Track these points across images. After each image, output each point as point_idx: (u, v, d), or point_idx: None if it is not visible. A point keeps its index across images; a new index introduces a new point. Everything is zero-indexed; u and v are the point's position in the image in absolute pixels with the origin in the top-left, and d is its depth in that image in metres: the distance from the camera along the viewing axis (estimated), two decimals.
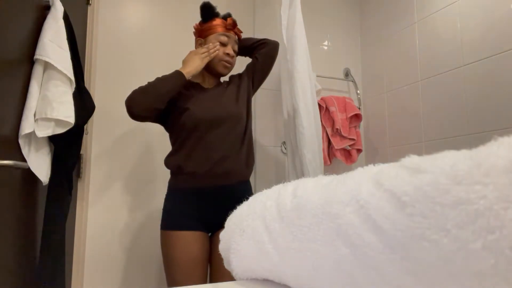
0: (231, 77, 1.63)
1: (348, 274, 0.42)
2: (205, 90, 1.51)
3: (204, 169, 1.35)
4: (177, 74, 1.39)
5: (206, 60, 1.46)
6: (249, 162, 1.47)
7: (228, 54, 1.50)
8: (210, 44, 1.48)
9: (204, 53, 1.46)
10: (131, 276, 1.78)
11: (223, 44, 1.51)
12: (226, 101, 1.48)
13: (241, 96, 1.53)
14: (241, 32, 1.61)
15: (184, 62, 1.47)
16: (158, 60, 1.96)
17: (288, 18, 1.85)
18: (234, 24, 1.55)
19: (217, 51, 1.48)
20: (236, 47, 1.55)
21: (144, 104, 1.34)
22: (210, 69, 1.53)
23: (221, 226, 1.34)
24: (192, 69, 1.42)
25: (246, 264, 0.59)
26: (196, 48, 1.57)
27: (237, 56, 1.61)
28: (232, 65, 1.54)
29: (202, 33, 1.55)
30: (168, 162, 1.42)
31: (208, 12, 1.53)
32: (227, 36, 1.51)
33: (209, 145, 1.37)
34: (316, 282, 0.46)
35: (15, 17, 1.05)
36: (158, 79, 1.38)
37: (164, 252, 1.35)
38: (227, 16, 1.55)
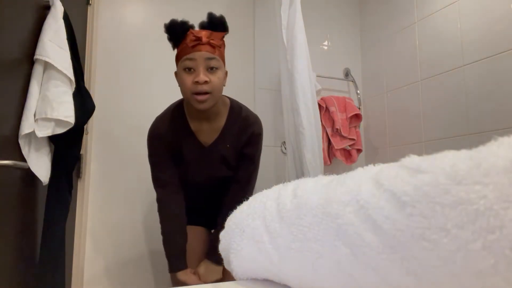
0: (240, 130, 1.31)
1: (348, 274, 0.42)
2: (202, 148, 1.30)
3: (200, 205, 1.41)
4: (170, 266, 1.29)
5: None
6: None
7: (197, 82, 1.15)
8: None
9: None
10: (131, 276, 1.78)
11: (190, 70, 1.17)
12: (223, 171, 1.34)
13: (231, 163, 1.35)
14: (221, 37, 1.20)
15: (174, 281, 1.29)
16: (158, 60, 1.96)
17: (288, 18, 1.84)
18: (198, 37, 1.15)
19: None
20: (212, 63, 1.16)
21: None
22: (192, 109, 1.25)
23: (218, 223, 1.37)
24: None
25: (246, 264, 0.59)
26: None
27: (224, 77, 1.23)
28: (209, 93, 1.16)
29: (176, 62, 1.24)
30: None
31: (174, 34, 1.20)
32: (191, 58, 1.15)
33: (203, 197, 1.40)
34: (316, 282, 0.46)
35: (15, 17, 1.05)
36: (166, 242, 1.31)
37: None
38: (188, 28, 1.18)
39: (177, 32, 1.19)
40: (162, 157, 1.31)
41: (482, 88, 1.69)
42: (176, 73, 1.26)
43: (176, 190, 1.33)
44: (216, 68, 1.18)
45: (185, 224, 1.33)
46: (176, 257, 1.29)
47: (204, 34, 1.16)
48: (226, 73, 1.26)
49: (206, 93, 1.16)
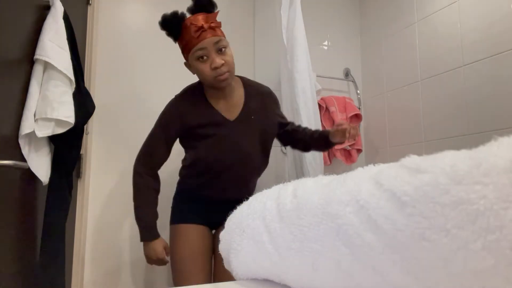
0: (265, 99, 1.40)
1: (348, 274, 0.42)
2: (226, 123, 1.31)
3: (217, 197, 1.36)
4: (141, 231, 1.32)
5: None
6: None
7: (215, 68, 1.22)
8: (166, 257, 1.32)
9: (159, 259, 1.32)
10: (131, 276, 1.78)
11: (204, 58, 1.23)
12: (248, 144, 1.33)
13: (267, 139, 1.39)
14: (215, 17, 1.24)
15: (147, 249, 1.33)
16: (158, 60, 1.96)
17: (288, 18, 1.85)
18: (199, 25, 1.19)
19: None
20: (220, 45, 1.22)
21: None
22: (215, 88, 1.29)
23: (222, 223, 1.37)
24: (146, 251, 1.33)
25: (246, 264, 0.59)
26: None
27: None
28: (228, 70, 1.24)
29: (186, 58, 1.29)
30: (182, 180, 1.44)
31: (173, 29, 1.24)
32: (201, 48, 1.21)
33: (224, 183, 1.34)
34: (316, 282, 0.46)
35: (15, 17, 1.05)
36: (138, 210, 1.32)
37: (171, 244, 1.38)
38: (182, 18, 1.22)
39: (172, 25, 1.23)
40: (165, 137, 1.33)
41: (482, 88, 1.69)
42: (186, 64, 1.32)
43: (156, 176, 1.36)
44: (225, 47, 1.25)
45: (157, 202, 1.35)
46: (154, 226, 1.31)
47: (202, 19, 1.21)
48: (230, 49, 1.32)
49: (224, 72, 1.23)
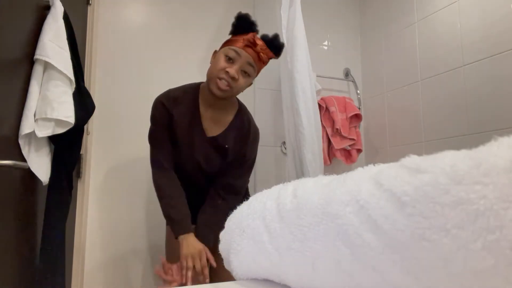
0: (243, 134, 1.37)
1: (348, 274, 0.42)
2: (203, 140, 1.34)
3: (192, 199, 1.37)
4: (174, 228, 1.26)
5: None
6: None
7: (227, 72, 1.23)
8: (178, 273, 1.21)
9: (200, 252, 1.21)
10: (131, 275, 1.78)
11: (229, 60, 1.25)
12: (212, 166, 1.36)
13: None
14: (269, 57, 1.31)
15: (184, 245, 1.21)
16: (158, 60, 1.96)
17: (288, 18, 1.85)
18: (255, 42, 1.25)
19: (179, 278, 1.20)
20: (248, 69, 1.26)
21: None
22: (209, 89, 1.29)
23: None
24: (185, 249, 1.21)
25: (246, 264, 0.59)
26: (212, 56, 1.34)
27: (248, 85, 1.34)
28: (231, 87, 1.24)
29: (220, 48, 1.33)
30: None
31: (240, 25, 1.29)
32: (237, 52, 1.24)
33: (189, 188, 1.36)
34: (316, 282, 0.46)
35: (15, 17, 1.05)
36: (167, 205, 1.28)
37: (166, 244, 1.40)
38: (250, 30, 1.29)
39: (243, 25, 1.28)
40: (162, 126, 1.33)
41: (482, 88, 1.69)
42: (215, 52, 1.34)
43: (172, 169, 1.34)
44: (248, 75, 1.28)
45: (182, 193, 1.32)
46: (183, 218, 1.26)
47: (261, 44, 1.27)
48: (251, 84, 1.35)
49: (228, 85, 1.24)
